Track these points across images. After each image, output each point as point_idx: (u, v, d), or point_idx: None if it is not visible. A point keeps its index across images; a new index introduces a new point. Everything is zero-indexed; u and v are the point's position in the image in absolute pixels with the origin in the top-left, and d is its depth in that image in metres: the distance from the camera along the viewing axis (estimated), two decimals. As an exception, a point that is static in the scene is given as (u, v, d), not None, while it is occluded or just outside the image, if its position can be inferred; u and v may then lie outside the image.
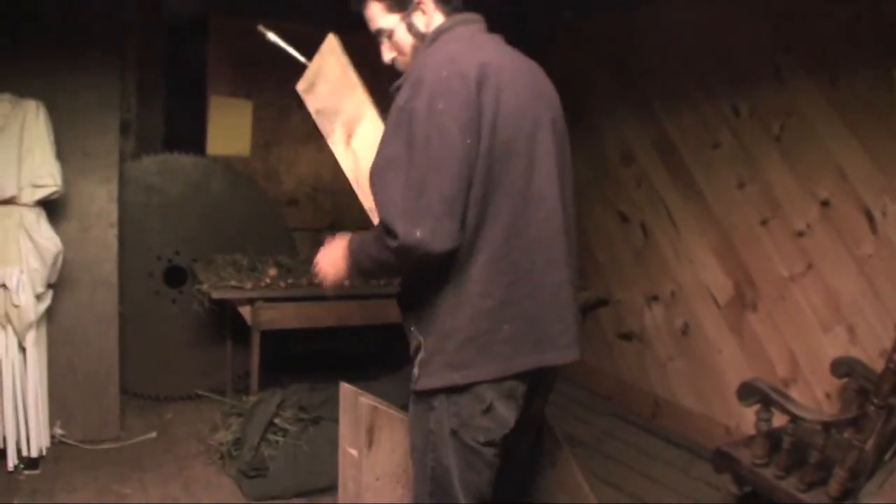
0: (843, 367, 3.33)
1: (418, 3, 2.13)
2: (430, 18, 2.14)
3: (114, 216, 4.06)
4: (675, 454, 4.32)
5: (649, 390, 4.87)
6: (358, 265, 2.09)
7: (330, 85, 2.36)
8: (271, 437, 3.76)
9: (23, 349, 3.68)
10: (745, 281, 4.16)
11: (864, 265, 3.53)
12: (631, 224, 5.01)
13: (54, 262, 3.69)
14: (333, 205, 5.40)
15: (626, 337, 5.06)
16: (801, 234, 3.84)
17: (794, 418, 2.76)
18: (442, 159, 1.84)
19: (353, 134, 2.31)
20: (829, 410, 3.63)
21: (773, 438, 2.91)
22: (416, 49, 2.14)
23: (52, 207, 3.82)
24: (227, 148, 4.99)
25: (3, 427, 3.70)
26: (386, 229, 1.87)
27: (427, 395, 2.02)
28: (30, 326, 3.64)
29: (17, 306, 3.55)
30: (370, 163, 1.99)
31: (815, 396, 3.75)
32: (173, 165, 4.67)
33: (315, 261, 2.27)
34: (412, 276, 2.08)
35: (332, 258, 2.20)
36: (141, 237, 4.49)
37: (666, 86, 4.70)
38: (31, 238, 3.61)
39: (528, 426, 2.27)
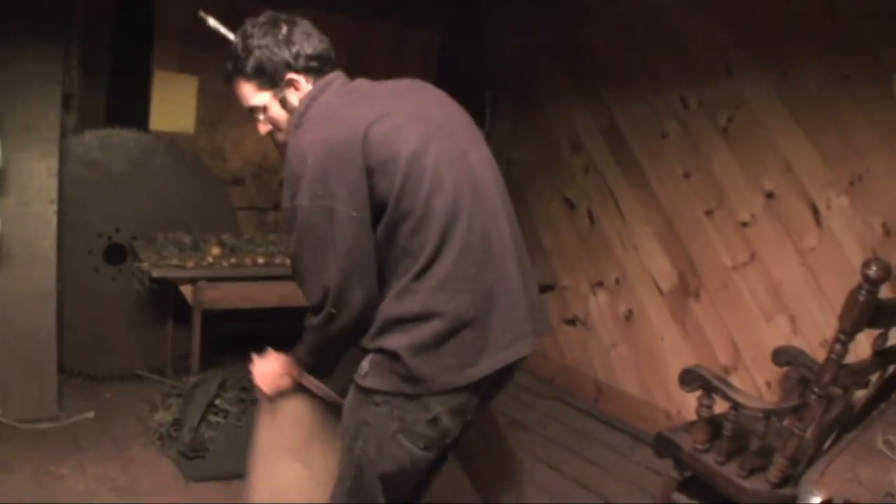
0: (785, 356, 3.39)
1: (290, 80, 2.10)
2: (302, 92, 2.12)
3: (54, 192, 3.97)
4: (617, 438, 4.37)
5: (592, 375, 4.91)
6: (306, 364, 2.22)
7: None
8: (212, 417, 3.72)
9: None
10: (688, 269, 4.21)
11: (808, 257, 3.59)
12: (578, 211, 5.03)
13: (-9, 236, 3.61)
14: (280, 185, 5.34)
15: (571, 322, 5.09)
16: (745, 224, 3.89)
17: (736, 405, 2.79)
18: (332, 240, 1.91)
19: None
20: (770, 398, 3.69)
21: (714, 425, 2.94)
22: (291, 123, 2.12)
23: (-12, 181, 3.73)
24: (172, 124, 4.89)
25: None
26: (310, 311, 2.04)
27: (372, 391, 2.00)
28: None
29: (-49, 281, 3.47)
30: None
31: (756, 384, 3.81)
32: (116, 141, 4.56)
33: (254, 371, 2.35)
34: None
35: (269, 377, 2.30)
36: (81, 213, 4.38)
37: (616, 75, 4.73)
38: (-33, 212, 3.52)
39: (470, 424, 2.25)
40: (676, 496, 3.10)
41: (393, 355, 1.93)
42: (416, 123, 2.00)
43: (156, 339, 4.63)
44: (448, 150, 2.00)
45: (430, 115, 2.06)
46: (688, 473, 3.05)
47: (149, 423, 3.94)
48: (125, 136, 4.59)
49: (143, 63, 4.87)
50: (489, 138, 5.82)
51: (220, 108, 5.01)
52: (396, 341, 1.93)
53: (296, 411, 2.37)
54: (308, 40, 2.10)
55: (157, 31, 4.86)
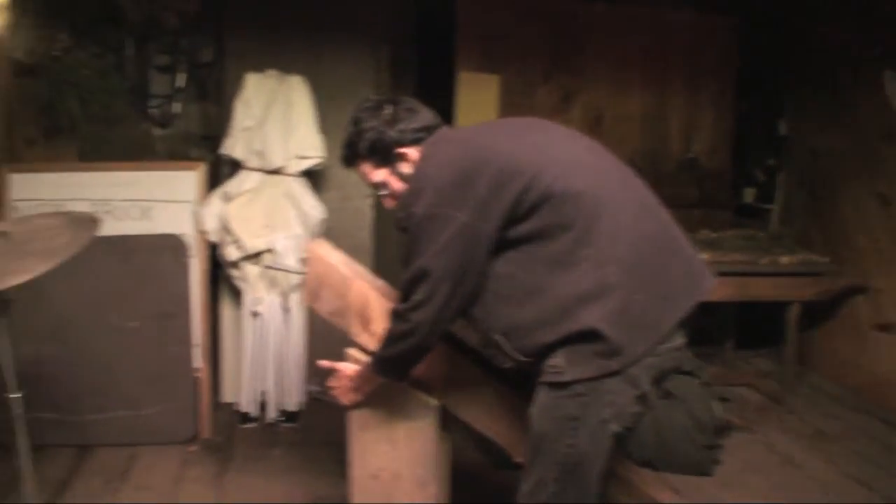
0: None
1: (401, 154, 2.25)
2: (413, 161, 2.25)
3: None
4: (935, 457, 4.04)
5: (908, 386, 4.55)
6: (379, 361, 2.28)
7: (330, 288, 2.51)
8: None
9: (286, 310, 3.93)
10: None
11: None
12: (894, 207, 4.68)
13: (317, 230, 3.91)
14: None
15: (885, 328, 4.75)
16: None
17: None
18: (442, 241, 1.99)
19: (369, 318, 2.46)
20: None
21: None
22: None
23: (313, 177, 4.05)
24: (476, 123, 5.07)
25: (266, 382, 3.98)
26: (399, 300, 2.14)
27: (573, 383, 1.99)
28: (293, 289, 3.88)
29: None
30: None
31: None
32: (426, 138, 4.78)
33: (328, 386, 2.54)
34: (510, 306, 2.08)
35: (342, 391, 2.50)
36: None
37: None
38: (296, 206, 3.85)
39: None
40: None
41: (589, 334, 1.94)
42: (541, 131, 2.21)
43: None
44: (576, 146, 2.17)
45: (554, 128, 2.26)
46: None
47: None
48: (435, 134, 4.80)
49: (446, 64, 5.09)
50: (791, 128, 5.58)
51: (521, 106, 5.14)
52: (588, 318, 1.94)
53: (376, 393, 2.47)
54: (411, 115, 2.28)
55: (459, 34, 5.07)
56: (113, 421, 3.82)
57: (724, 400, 3.87)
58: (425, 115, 2.30)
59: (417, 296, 2.04)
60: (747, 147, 5.87)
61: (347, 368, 2.46)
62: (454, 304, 2.05)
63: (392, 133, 2.24)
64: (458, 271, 2.00)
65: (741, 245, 4.78)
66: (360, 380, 2.42)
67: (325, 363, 2.52)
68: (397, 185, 2.27)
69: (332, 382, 2.50)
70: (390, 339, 2.19)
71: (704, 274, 2.14)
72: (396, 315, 2.13)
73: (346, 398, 2.49)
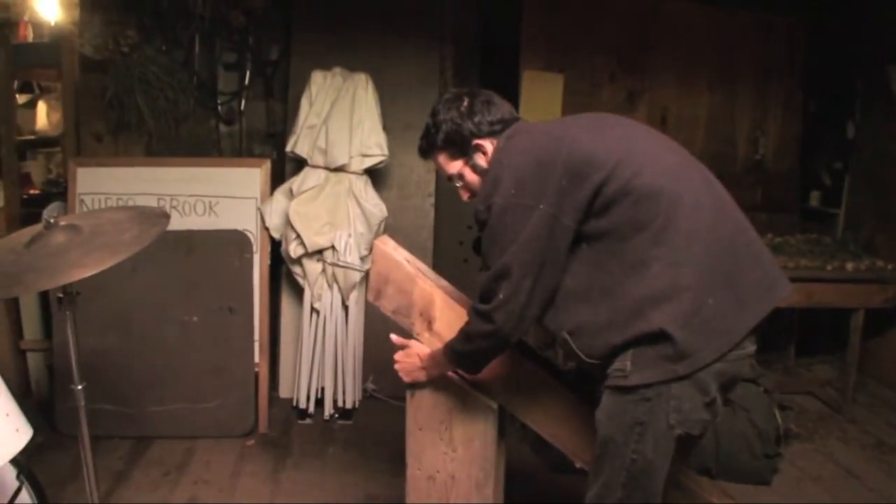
0: None
1: (477, 146, 2.25)
2: (489, 155, 2.25)
3: (431, 186, 4.26)
4: None
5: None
6: (455, 353, 2.25)
7: (395, 285, 2.47)
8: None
9: (345, 307, 3.95)
10: None
11: None
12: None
13: (378, 227, 3.91)
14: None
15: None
16: None
17: None
18: (522, 233, 1.98)
19: (433, 318, 2.42)
20: None
21: None
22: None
23: (374, 176, 4.05)
24: (539, 120, 5.04)
25: (323, 378, 4.00)
26: (479, 298, 2.10)
27: (641, 387, 1.96)
28: (354, 286, 3.89)
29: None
30: None
31: None
32: (486, 138, 4.77)
33: (396, 359, 2.47)
34: (581, 302, 2.06)
35: (407, 368, 2.44)
36: (453, 207, 4.63)
37: None
38: (359, 204, 3.86)
39: None
40: None
41: (658, 336, 1.91)
42: (621, 126, 2.17)
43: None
44: (657, 144, 2.14)
45: (633, 125, 2.22)
46: None
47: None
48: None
49: (509, 64, 5.07)
50: (859, 131, 5.44)
51: (585, 105, 5.09)
52: (657, 320, 1.90)
53: (435, 393, 2.45)
54: (488, 108, 2.26)
55: (524, 32, 5.03)
56: (172, 413, 3.87)
57: (784, 408, 3.80)
58: (502, 108, 2.29)
59: (500, 294, 2.02)
60: (814, 150, 5.74)
61: (421, 348, 2.43)
62: (536, 300, 2.03)
63: (468, 125, 2.24)
64: (538, 265, 1.98)
65: (806, 250, 4.67)
66: (431, 362, 2.39)
67: (398, 338, 2.49)
68: (472, 177, 2.28)
69: (399, 356, 2.46)
70: (470, 336, 2.16)
71: (780, 280, 2.08)
72: (479, 314, 2.10)
73: (409, 376, 2.45)
